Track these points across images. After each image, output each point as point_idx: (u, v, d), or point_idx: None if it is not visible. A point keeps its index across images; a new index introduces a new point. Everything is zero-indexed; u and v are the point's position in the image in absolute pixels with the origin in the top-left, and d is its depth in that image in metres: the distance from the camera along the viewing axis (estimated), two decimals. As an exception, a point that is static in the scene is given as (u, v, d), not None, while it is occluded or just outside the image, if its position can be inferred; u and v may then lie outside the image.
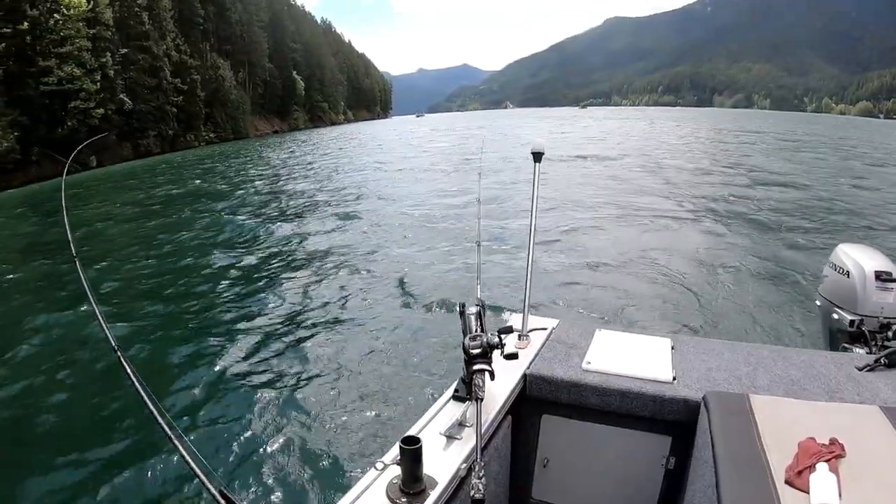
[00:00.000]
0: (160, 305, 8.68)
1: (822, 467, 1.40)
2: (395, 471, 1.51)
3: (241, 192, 21.41)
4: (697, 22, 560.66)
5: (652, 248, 10.27)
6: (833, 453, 1.46)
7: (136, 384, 1.40)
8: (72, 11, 37.72)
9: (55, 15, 36.86)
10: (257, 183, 23.92)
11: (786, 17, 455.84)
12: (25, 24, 34.70)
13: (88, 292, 1.81)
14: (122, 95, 43.25)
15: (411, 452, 1.43)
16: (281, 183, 23.17)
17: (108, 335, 1.59)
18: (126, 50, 44.86)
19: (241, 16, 76.38)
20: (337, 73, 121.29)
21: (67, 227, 2.37)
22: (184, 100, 53.61)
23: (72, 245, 2.20)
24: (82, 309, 7.97)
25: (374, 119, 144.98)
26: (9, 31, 33.76)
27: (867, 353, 2.97)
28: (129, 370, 1.44)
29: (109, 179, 30.70)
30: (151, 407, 1.31)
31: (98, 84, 39.37)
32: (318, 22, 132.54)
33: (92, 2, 39.96)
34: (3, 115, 32.58)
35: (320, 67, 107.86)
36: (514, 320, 2.56)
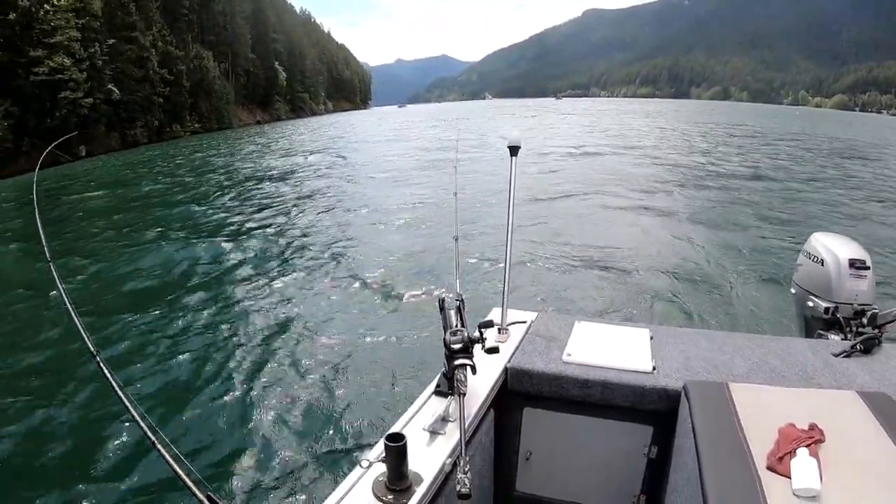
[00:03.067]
0: (140, 306, 8.44)
1: (802, 452, 1.43)
2: (381, 468, 1.52)
3: (228, 186, 21.02)
4: (676, 14, 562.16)
5: (626, 239, 10.51)
6: (813, 438, 1.50)
7: (117, 389, 1.41)
8: (61, 2, 38.01)
9: (45, 5, 37.12)
10: (245, 177, 23.60)
11: (763, 10, 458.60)
12: (12, 14, 35.01)
13: (63, 293, 1.83)
14: (110, 86, 43.50)
15: (396, 450, 1.44)
16: (272, 178, 22.66)
17: (86, 338, 1.60)
18: (114, 40, 45.01)
19: (224, 6, 76.28)
20: (317, 64, 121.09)
21: (41, 228, 2.37)
22: (170, 90, 53.81)
23: (45, 246, 2.21)
24: (58, 310, 7.61)
25: (354, 110, 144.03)
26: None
27: (842, 339, 3.05)
28: (108, 374, 1.45)
29: (95, 171, 30.80)
30: (133, 412, 1.33)
31: (86, 74, 39.78)
32: (298, 12, 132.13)
33: (81, -8, 40.21)
34: (-5, 105, 32.96)
35: (301, 58, 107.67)
36: (493, 314, 2.60)
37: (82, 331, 1.62)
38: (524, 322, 2.61)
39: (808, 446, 1.46)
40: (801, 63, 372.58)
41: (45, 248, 2.19)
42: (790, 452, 1.45)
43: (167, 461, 1.20)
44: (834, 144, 33.75)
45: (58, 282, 1.91)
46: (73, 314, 1.70)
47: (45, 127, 35.09)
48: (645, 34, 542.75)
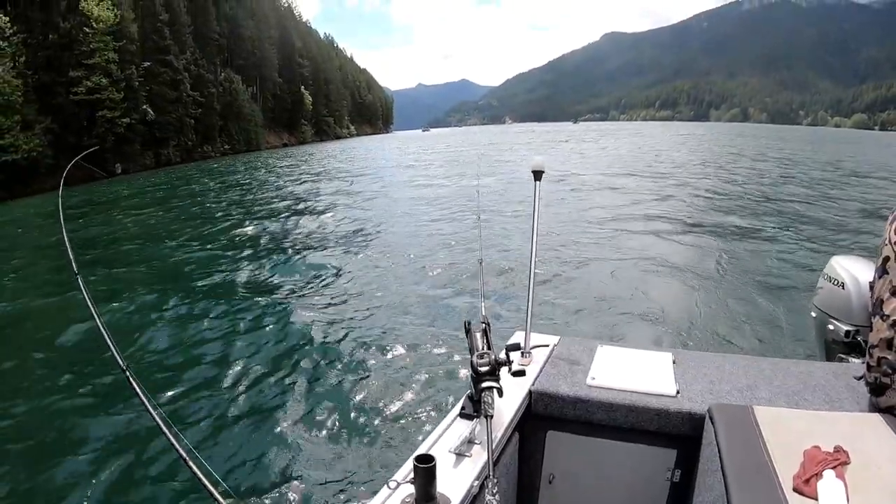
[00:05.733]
0: (165, 315, 8.68)
1: (828, 474, 1.44)
2: (408, 489, 1.51)
3: (257, 206, 21.15)
4: (694, 37, 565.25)
5: (647, 264, 10.44)
6: (839, 461, 1.51)
7: (144, 400, 1.43)
8: (100, 25, 39.60)
9: (84, 28, 38.74)
10: (273, 198, 23.81)
11: (780, 30, 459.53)
12: (51, 35, 36.44)
13: (92, 309, 1.82)
14: (145, 106, 44.89)
15: (426, 471, 1.43)
16: (302, 201, 22.30)
17: (115, 352, 1.64)
18: (149, 63, 46.40)
19: (252, 32, 78.06)
20: (341, 88, 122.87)
21: (68, 245, 2.38)
22: (201, 112, 55.29)
23: (73, 263, 2.19)
24: (88, 326, 7.42)
25: (377, 133, 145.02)
26: (40, 40, 35.50)
27: (863, 363, 3.12)
28: (136, 387, 1.48)
29: (132, 187, 31.40)
30: (160, 423, 1.35)
31: (123, 94, 41.28)
32: (322, 37, 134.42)
33: (119, 16, 41.81)
34: (36, 122, 34.19)
35: (326, 82, 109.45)
36: (516, 337, 2.59)
37: (108, 338, 1.68)
38: (547, 345, 2.62)
39: (834, 468, 1.47)
40: (820, 83, 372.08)
41: (73, 262, 2.20)
42: (817, 475, 1.46)
43: (194, 472, 1.24)
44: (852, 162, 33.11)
45: (85, 294, 1.92)
46: (101, 327, 1.73)
47: (83, 145, 36.06)
48: (663, 57, 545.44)
